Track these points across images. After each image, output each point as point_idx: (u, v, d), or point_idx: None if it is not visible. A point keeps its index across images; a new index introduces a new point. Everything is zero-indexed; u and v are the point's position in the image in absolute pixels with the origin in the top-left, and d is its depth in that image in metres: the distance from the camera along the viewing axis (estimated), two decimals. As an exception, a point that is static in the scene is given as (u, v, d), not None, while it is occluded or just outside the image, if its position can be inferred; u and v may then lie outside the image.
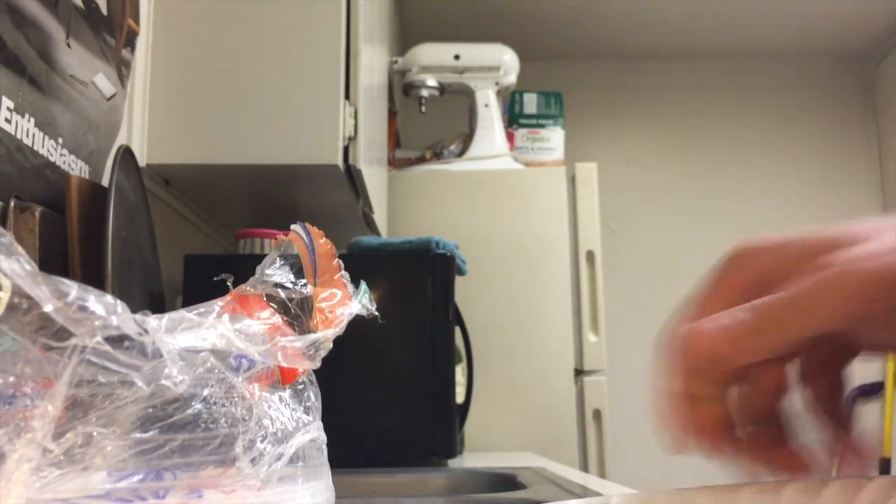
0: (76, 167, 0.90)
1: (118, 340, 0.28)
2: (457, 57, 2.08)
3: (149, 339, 0.29)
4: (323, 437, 0.37)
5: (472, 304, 1.72)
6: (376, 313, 0.40)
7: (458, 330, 1.33)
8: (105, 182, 0.95)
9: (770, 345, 0.30)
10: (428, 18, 2.80)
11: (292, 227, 0.40)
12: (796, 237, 0.33)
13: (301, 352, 0.35)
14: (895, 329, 0.30)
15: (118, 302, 0.28)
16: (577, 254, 1.97)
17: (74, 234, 0.80)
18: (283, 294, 0.36)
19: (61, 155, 0.86)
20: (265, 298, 0.36)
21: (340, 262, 0.39)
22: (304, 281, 0.38)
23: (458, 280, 1.19)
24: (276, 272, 0.37)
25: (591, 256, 1.97)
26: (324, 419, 0.38)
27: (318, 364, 0.36)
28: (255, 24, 1.19)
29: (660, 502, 0.33)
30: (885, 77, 3.11)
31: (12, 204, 0.74)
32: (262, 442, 0.32)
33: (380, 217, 1.64)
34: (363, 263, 1.19)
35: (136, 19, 1.09)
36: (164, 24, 1.18)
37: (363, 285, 0.40)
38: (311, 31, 1.19)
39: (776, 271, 0.32)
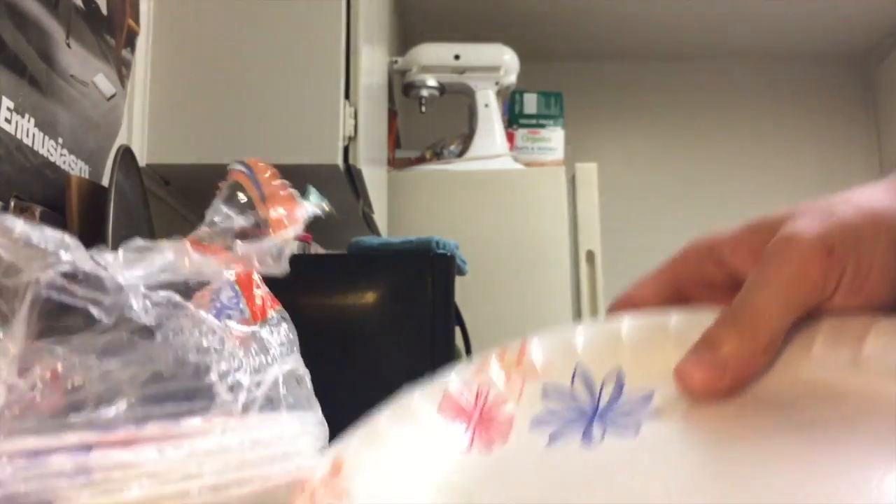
0: (76, 167, 0.90)
1: (74, 275, 0.27)
2: (457, 57, 2.08)
3: (107, 273, 0.28)
4: (304, 370, 0.36)
5: (472, 304, 1.72)
6: (331, 209, 0.39)
7: (458, 330, 1.33)
8: (105, 182, 0.95)
9: (740, 366, 0.29)
10: (428, 18, 2.80)
11: (230, 166, 0.39)
12: (745, 224, 0.33)
13: (266, 255, 0.34)
14: (857, 293, 0.30)
15: (66, 236, 0.27)
16: (577, 254, 1.97)
17: (74, 234, 0.80)
18: (239, 240, 0.36)
19: (61, 155, 0.86)
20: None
21: (285, 181, 0.38)
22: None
23: (458, 280, 1.19)
24: (226, 215, 0.36)
25: (591, 256, 1.97)
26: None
27: (285, 267, 0.35)
28: (255, 25, 1.19)
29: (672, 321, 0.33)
30: (885, 77, 3.11)
31: (12, 204, 0.74)
32: (237, 371, 0.31)
33: (380, 217, 1.64)
34: (363, 263, 1.19)
35: (136, 19, 1.09)
36: (164, 24, 1.18)
37: (310, 187, 0.39)
38: (311, 31, 1.19)
39: (723, 254, 0.33)
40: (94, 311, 0.27)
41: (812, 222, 0.31)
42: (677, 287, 0.36)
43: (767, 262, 0.31)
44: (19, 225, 0.26)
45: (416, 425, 0.32)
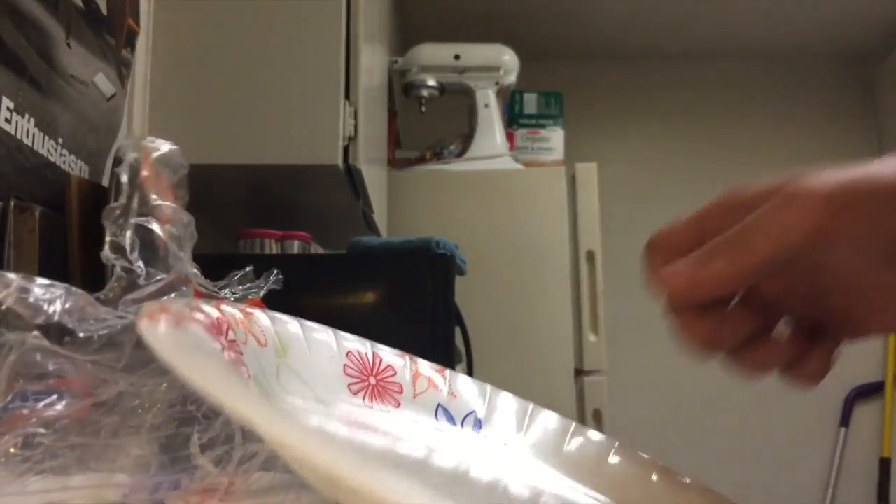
0: (76, 167, 0.90)
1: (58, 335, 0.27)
2: (457, 57, 2.08)
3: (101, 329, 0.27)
4: None
5: (472, 304, 1.72)
6: None
7: (458, 330, 1.33)
8: (105, 182, 0.95)
9: (720, 281, 0.32)
10: (428, 18, 2.80)
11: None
12: (772, 179, 0.34)
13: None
14: (870, 253, 0.31)
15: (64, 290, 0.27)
16: (577, 254, 1.97)
17: (74, 234, 0.80)
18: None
19: (61, 155, 0.86)
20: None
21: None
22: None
23: (458, 280, 1.19)
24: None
25: (591, 256, 1.97)
26: (324, 419, 0.38)
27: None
28: (255, 24, 1.19)
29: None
30: (885, 77, 3.11)
31: (12, 204, 0.74)
32: (226, 442, 0.29)
33: (380, 217, 1.64)
34: (363, 263, 1.19)
35: (136, 19, 1.09)
36: (164, 24, 1.18)
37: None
38: (311, 31, 1.19)
39: (748, 206, 0.34)
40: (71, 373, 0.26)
41: (829, 176, 0.31)
42: (704, 241, 0.36)
43: (774, 206, 0.31)
44: (16, 281, 0.26)
45: (328, 354, 0.36)
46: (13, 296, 0.25)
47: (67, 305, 0.26)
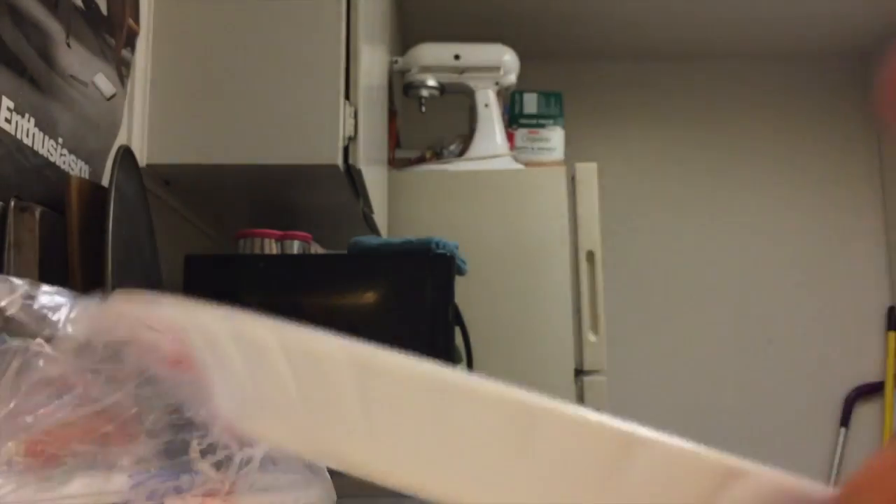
0: (76, 167, 0.90)
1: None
2: (457, 57, 2.08)
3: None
4: None
5: (472, 304, 1.72)
6: None
7: (458, 330, 1.33)
8: (105, 182, 0.95)
9: None
10: (428, 18, 2.80)
11: None
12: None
13: None
14: None
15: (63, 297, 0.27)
16: (577, 254, 1.97)
17: (74, 234, 0.80)
18: None
19: (61, 155, 0.86)
20: None
21: None
22: None
23: (458, 280, 1.19)
24: None
25: (591, 256, 1.97)
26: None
27: None
28: (255, 24, 1.19)
29: None
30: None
31: (12, 204, 0.74)
32: (225, 447, 0.29)
33: (380, 217, 1.64)
34: (363, 263, 1.19)
35: (136, 19, 1.09)
36: (164, 24, 1.17)
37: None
38: (311, 31, 1.19)
39: None
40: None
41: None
42: None
43: None
44: (22, 287, 0.26)
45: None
46: (18, 303, 0.25)
47: (72, 315, 0.27)
